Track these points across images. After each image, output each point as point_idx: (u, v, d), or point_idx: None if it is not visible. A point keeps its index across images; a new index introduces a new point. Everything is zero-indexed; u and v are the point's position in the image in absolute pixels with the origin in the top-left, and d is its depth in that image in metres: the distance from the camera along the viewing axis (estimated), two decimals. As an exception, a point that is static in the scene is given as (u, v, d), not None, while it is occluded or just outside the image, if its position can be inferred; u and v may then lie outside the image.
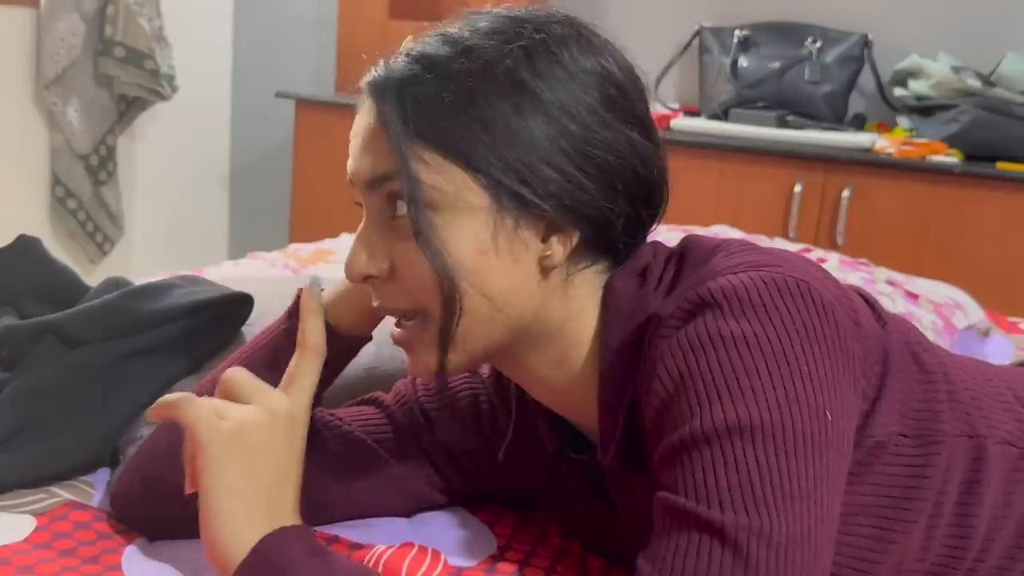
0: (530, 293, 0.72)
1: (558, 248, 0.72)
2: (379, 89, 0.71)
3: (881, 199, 2.44)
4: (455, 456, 0.90)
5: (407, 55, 0.72)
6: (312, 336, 0.78)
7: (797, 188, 2.49)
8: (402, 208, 0.70)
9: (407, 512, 0.92)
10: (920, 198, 2.42)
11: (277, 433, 0.72)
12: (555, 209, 0.69)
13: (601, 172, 0.70)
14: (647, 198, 0.74)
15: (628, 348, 0.72)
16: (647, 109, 0.74)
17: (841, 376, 0.65)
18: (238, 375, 0.74)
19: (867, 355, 0.70)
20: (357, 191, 0.75)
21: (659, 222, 0.77)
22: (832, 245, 2.45)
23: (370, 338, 0.87)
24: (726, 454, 0.61)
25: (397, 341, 0.76)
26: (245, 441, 0.70)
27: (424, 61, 0.70)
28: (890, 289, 1.60)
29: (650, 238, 0.78)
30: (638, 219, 0.74)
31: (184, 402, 0.71)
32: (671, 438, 0.64)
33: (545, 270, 0.72)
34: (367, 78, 0.73)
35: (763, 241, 1.79)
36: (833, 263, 1.70)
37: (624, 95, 0.72)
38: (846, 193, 2.44)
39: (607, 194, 0.70)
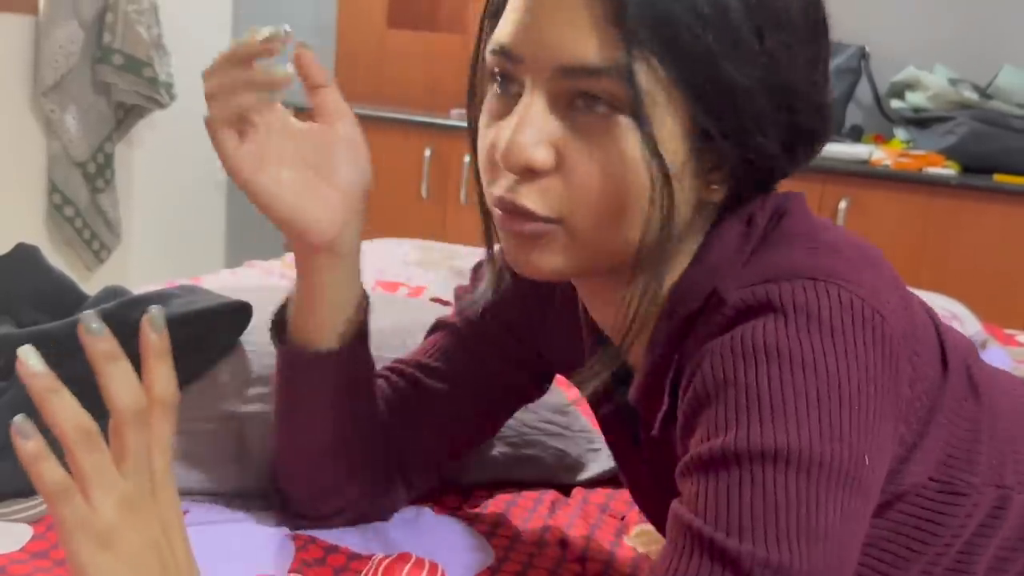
0: (683, 219, 0.67)
1: (721, 188, 0.67)
2: None
3: (878, 210, 2.45)
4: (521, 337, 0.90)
5: None
6: (159, 385, 0.61)
7: (794, 199, 2.49)
8: (601, 108, 0.63)
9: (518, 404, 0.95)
10: (917, 210, 2.42)
11: (146, 522, 0.56)
12: (738, 155, 0.65)
13: (792, 125, 0.66)
14: (811, 150, 0.70)
15: (690, 311, 0.68)
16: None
17: (887, 422, 0.62)
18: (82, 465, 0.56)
19: (915, 400, 0.67)
20: (526, 67, 0.64)
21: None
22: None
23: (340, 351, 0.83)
24: (755, 479, 0.57)
25: (520, 236, 0.67)
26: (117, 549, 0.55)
27: None
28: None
29: None
30: (794, 167, 0.70)
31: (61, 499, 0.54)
32: (701, 448, 0.60)
33: (701, 203, 0.68)
34: None
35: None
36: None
37: (826, 23, 0.68)
38: (843, 204, 2.45)
39: (785, 146, 0.67)
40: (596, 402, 0.84)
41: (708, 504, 0.58)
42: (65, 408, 0.56)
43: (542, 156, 0.64)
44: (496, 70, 0.67)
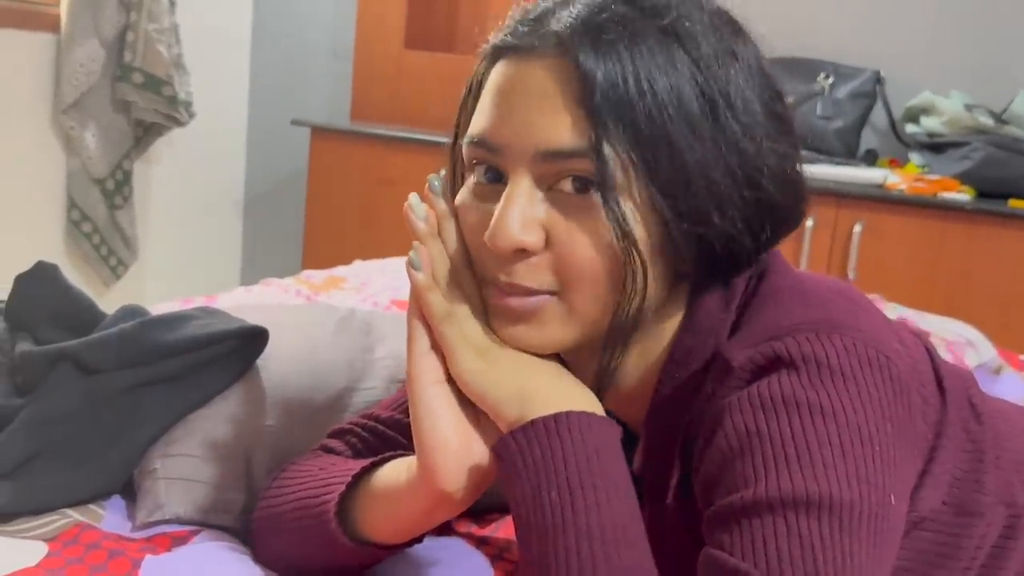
0: (656, 295, 0.70)
1: (694, 265, 0.70)
2: (591, 47, 0.65)
3: (893, 235, 2.44)
4: None
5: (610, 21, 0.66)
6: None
7: (808, 223, 2.49)
8: (579, 186, 0.66)
9: None
10: (932, 235, 2.42)
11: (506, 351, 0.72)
12: (697, 236, 0.67)
13: (758, 202, 0.68)
14: (784, 227, 0.73)
15: (691, 375, 0.70)
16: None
17: (906, 459, 0.63)
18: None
19: (926, 431, 0.68)
20: (505, 155, 0.69)
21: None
22: (844, 280, 2.45)
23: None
24: (790, 525, 0.58)
25: (519, 310, 0.69)
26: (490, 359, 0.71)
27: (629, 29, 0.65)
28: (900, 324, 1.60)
29: None
30: (766, 245, 0.72)
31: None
32: (731, 498, 0.61)
33: (677, 276, 0.71)
34: (555, 25, 0.67)
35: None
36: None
37: (783, 99, 0.70)
38: (858, 228, 2.45)
39: (751, 225, 0.69)
40: None
41: (745, 548, 0.59)
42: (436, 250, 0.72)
43: (532, 239, 0.67)
44: (474, 160, 0.71)
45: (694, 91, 0.65)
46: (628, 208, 0.66)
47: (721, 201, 0.66)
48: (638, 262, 0.66)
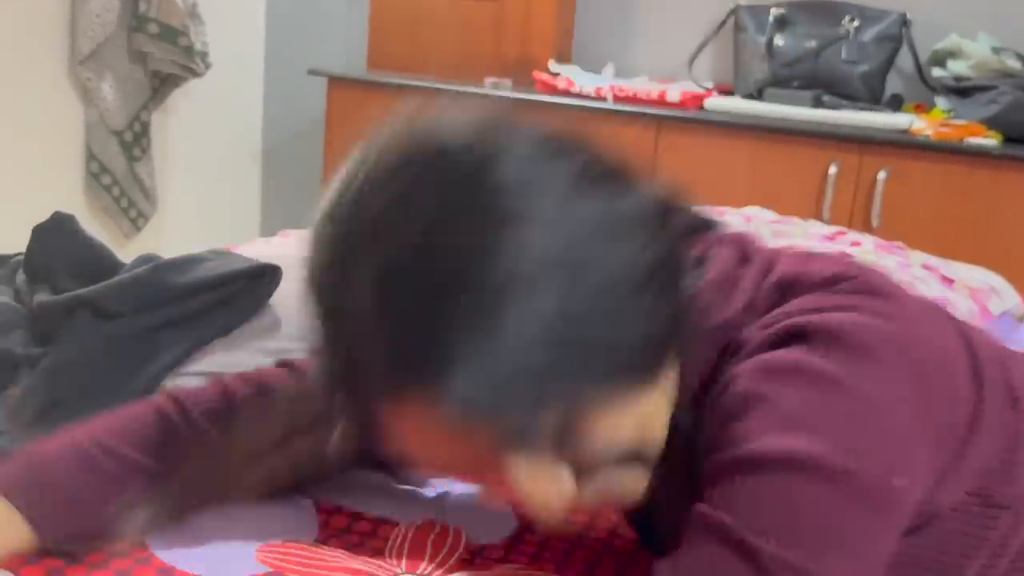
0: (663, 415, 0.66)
1: (665, 383, 0.65)
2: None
3: (918, 181, 2.41)
4: None
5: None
6: None
7: (832, 169, 2.46)
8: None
9: None
10: (957, 180, 2.38)
11: None
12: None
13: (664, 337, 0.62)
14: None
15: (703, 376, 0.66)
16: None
17: (922, 444, 0.61)
18: None
19: (952, 420, 0.65)
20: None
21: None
22: (867, 227, 2.42)
23: None
24: (777, 484, 0.56)
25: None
26: None
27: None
28: (925, 273, 1.58)
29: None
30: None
31: None
32: (725, 453, 0.59)
33: (663, 392, 0.66)
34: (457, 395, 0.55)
35: (795, 225, 1.78)
36: (868, 246, 1.68)
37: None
38: (882, 175, 2.41)
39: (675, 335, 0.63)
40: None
41: (733, 503, 0.58)
42: None
43: (567, 504, 0.62)
44: None
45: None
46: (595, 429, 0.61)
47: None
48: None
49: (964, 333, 0.71)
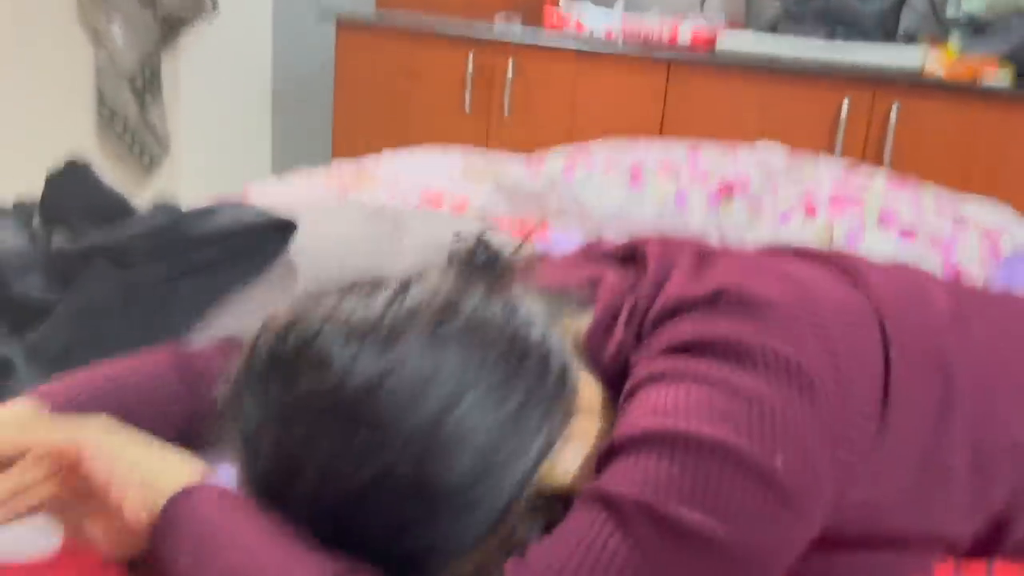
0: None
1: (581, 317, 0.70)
2: None
3: (930, 118, 2.39)
4: None
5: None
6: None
7: (844, 106, 2.44)
8: None
9: None
10: (970, 117, 2.36)
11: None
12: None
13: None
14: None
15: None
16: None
17: (813, 442, 0.60)
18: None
19: (858, 420, 0.64)
20: None
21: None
22: (879, 163, 2.41)
23: None
24: (639, 459, 0.57)
25: None
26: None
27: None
28: (937, 211, 1.58)
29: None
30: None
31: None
32: (605, 444, 0.61)
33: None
34: None
35: (806, 162, 1.77)
36: (880, 183, 1.68)
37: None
38: (894, 111, 2.40)
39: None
40: None
41: (600, 478, 0.58)
42: None
43: None
44: None
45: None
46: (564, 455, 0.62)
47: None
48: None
49: (880, 309, 0.70)
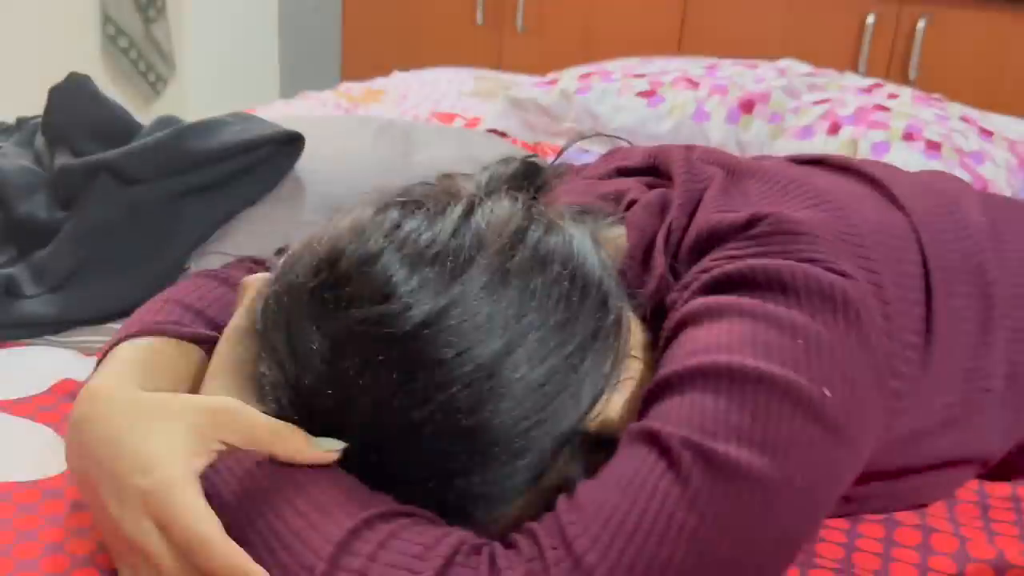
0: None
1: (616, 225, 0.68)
2: None
3: (957, 31, 2.32)
4: None
5: None
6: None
7: (870, 19, 2.37)
8: None
9: None
10: (999, 30, 2.29)
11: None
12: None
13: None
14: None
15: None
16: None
17: (866, 379, 0.58)
18: None
19: (902, 348, 0.63)
20: None
21: None
22: (904, 79, 2.35)
23: None
24: (688, 394, 0.55)
25: None
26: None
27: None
28: (964, 126, 1.54)
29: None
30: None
31: None
32: (650, 384, 0.58)
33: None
34: None
35: (831, 77, 1.72)
36: (905, 99, 1.63)
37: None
38: (921, 24, 2.33)
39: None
40: None
41: (652, 416, 0.55)
42: None
43: None
44: None
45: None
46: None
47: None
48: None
49: (917, 228, 0.68)
